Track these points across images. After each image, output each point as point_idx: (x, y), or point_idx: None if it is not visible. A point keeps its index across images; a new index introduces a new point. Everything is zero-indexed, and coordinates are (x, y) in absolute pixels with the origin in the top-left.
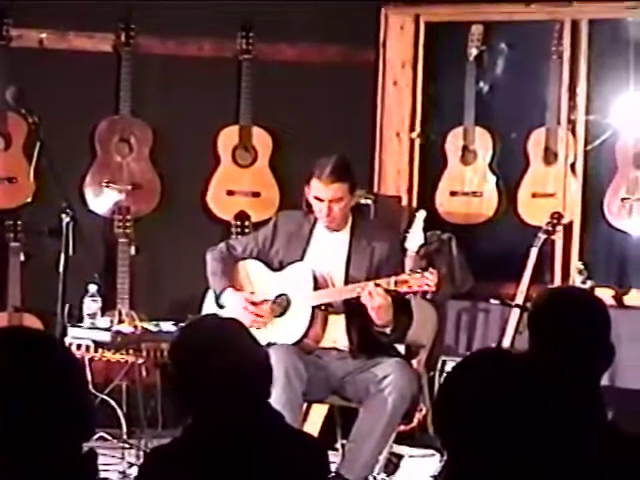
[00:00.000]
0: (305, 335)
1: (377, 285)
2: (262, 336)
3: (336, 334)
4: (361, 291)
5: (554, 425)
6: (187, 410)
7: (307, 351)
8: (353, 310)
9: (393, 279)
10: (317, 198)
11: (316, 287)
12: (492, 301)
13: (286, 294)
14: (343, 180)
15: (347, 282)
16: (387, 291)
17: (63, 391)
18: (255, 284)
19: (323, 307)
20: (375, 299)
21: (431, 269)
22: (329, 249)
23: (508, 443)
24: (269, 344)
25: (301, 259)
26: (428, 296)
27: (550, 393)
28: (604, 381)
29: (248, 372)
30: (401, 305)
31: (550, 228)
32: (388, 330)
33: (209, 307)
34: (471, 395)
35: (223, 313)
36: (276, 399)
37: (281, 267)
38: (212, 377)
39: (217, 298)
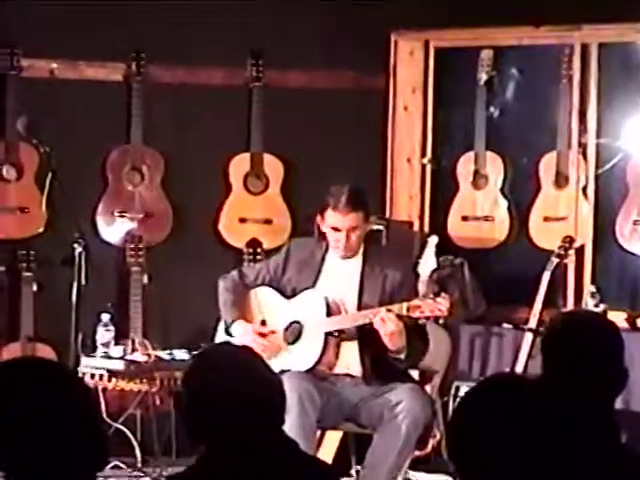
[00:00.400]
0: (318, 362)
1: (389, 311)
2: (275, 363)
3: (349, 360)
4: (373, 317)
5: (568, 450)
6: (201, 438)
7: (320, 377)
8: (366, 336)
9: (405, 305)
10: (334, 228)
11: (329, 313)
12: (505, 325)
13: (299, 321)
14: (358, 209)
15: (360, 309)
16: (399, 317)
17: (76, 422)
18: (267, 312)
19: (336, 333)
20: (387, 325)
21: (443, 294)
22: (341, 276)
23: (521, 468)
24: (282, 371)
25: (313, 286)
26: (441, 321)
27: (564, 418)
28: (618, 404)
29: (262, 400)
30: (416, 331)
31: (562, 252)
32: (402, 356)
33: (221, 335)
34: (484, 421)
35: (233, 341)
36: (290, 426)
37: (294, 294)
38: (226, 405)
39: (227, 328)
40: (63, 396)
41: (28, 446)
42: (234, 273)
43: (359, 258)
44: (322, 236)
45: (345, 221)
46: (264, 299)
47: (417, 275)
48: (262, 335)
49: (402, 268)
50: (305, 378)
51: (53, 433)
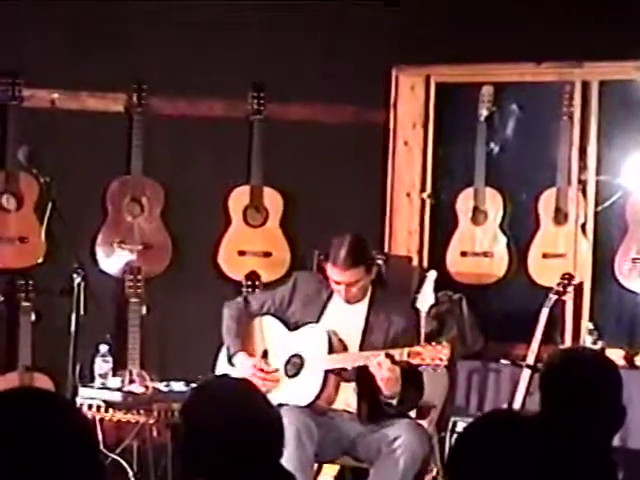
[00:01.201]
0: (317, 398)
1: (388, 355)
2: (274, 396)
3: (348, 398)
4: (373, 359)
5: None
6: (198, 471)
7: (319, 412)
8: (364, 378)
9: (406, 350)
10: (334, 281)
11: (330, 350)
12: (503, 361)
13: (300, 355)
14: (358, 264)
15: (362, 351)
16: (399, 362)
17: (74, 452)
18: (269, 342)
19: (336, 372)
20: (383, 371)
21: (444, 342)
22: (346, 318)
23: None
24: (281, 405)
25: (317, 322)
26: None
27: (562, 455)
28: (615, 442)
29: (260, 433)
30: (412, 378)
31: (561, 289)
32: (395, 401)
33: (224, 361)
34: (482, 457)
35: (233, 373)
36: (288, 460)
37: (297, 327)
38: (224, 438)
39: (229, 357)
40: (61, 426)
41: (25, 476)
42: (239, 300)
43: (365, 302)
44: (325, 276)
45: (344, 276)
46: (268, 329)
47: (417, 311)
48: (263, 371)
49: (407, 314)
50: (303, 412)
51: (51, 464)
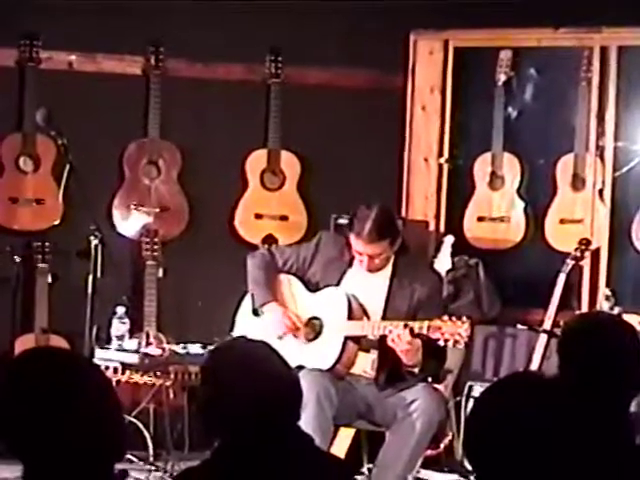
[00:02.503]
0: (337, 362)
1: (407, 327)
2: (293, 359)
3: (366, 363)
4: (392, 330)
5: (584, 449)
6: (216, 432)
7: (338, 376)
8: (386, 347)
9: (426, 324)
10: (357, 252)
11: (350, 316)
12: (519, 326)
13: (320, 318)
14: (383, 238)
15: (384, 319)
16: (419, 335)
17: (94, 411)
18: (290, 302)
19: (356, 338)
20: (401, 344)
21: (464, 318)
22: (368, 284)
23: (538, 467)
24: (300, 367)
25: (337, 285)
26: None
27: (581, 417)
28: (632, 407)
29: (278, 395)
30: (434, 350)
31: (578, 254)
32: (417, 370)
33: (245, 312)
34: (502, 419)
35: (259, 322)
36: (307, 423)
37: (317, 288)
38: (242, 400)
39: (256, 307)
40: (81, 386)
41: (46, 435)
42: (264, 252)
43: (388, 269)
44: (348, 242)
45: (367, 249)
46: (295, 290)
47: (439, 276)
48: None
49: (430, 282)
50: (323, 376)
51: (71, 422)
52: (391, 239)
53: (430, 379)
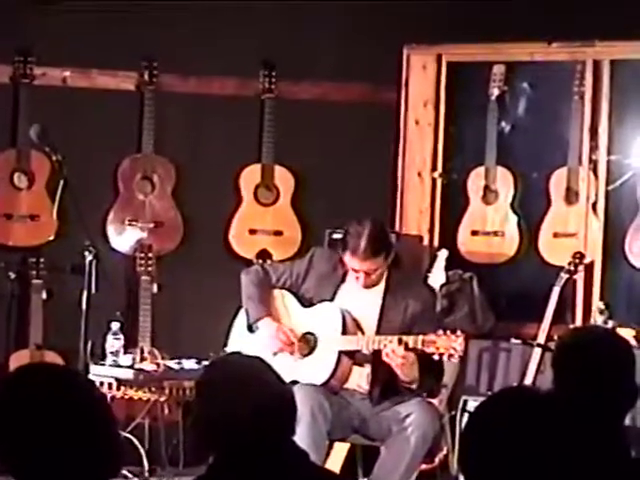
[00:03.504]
0: (331, 377)
1: (401, 341)
2: (287, 374)
3: (360, 378)
4: (386, 344)
5: (579, 464)
6: (211, 448)
7: (332, 391)
8: (379, 362)
9: (421, 338)
10: (353, 269)
11: (344, 331)
12: (513, 341)
13: (314, 333)
14: (378, 254)
15: (378, 334)
16: (414, 349)
17: (89, 426)
18: (285, 317)
19: (350, 353)
20: (396, 358)
21: (459, 332)
22: (362, 301)
23: None
24: (294, 382)
25: (331, 300)
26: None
27: (575, 432)
28: (625, 421)
29: (273, 410)
30: (431, 364)
31: (572, 268)
32: (414, 386)
33: (239, 328)
34: (498, 434)
35: (254, 338)
36: (301, 438)
37: (311, 304)
38: (237, 415)
39: (251, 324)
40: (76, 402)
41: (41, 451)
42: (258, 268)
43: (382, 284)
44: (342, 259)
45: (363, 265)
46: (288, 305)
47: (433, 291)
48: (286, 335)
49: (424, 297)
50: (317, 390)
51: (66, 438)
52: (386, 254)
53: (425, 393)
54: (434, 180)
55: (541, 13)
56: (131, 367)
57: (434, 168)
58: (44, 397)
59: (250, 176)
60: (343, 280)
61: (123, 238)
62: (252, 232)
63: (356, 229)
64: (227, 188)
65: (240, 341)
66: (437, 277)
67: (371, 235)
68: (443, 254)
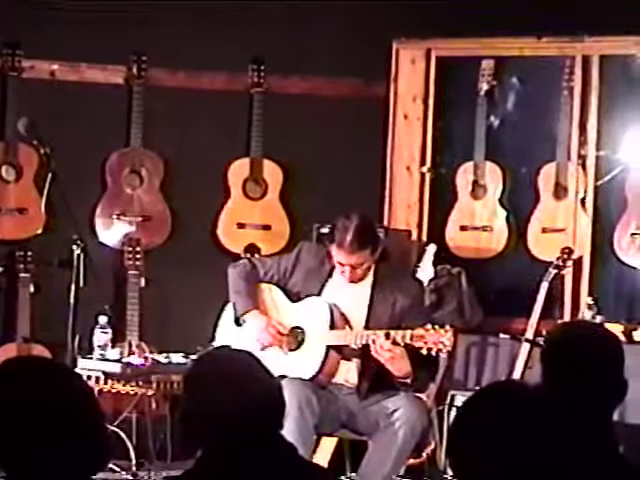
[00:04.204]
0: (319, 372)
1: (388, 336)
2: (275, 369)
3: (348, 372)
4: (375, 340)
5: (567, 459)
6: (198, 442)
7: (320, 386)
8: (369, 356)
9: (409, 333)
10: (339, 263)
11: (332, 326)
12: (502, 335)
13: (302, 328)
14: (364, 248)
15: (367, 329)
16: (405, 345)
17: (76, 420)
18: (273, 311)
19: (338, 348)
20: (383, 353)
21: (447, 327)
22: (350, 295)
23: (521, 476)
24: (282, 376)
25: (318, 295)
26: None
27: (563, 426)
28: (614, 416)
29: (261, 404)
30: (425, 359)
31: (560, 263)
32: (409, 380)
33: (227, 322)
34: (485, 428)
35: (241, 332)
36: (289, 432)
37: (298, 298)
38: (225, 409)
39: (238, 317)
40: (63, 395)
41: (28, 444)
42: (245, 262)
43: (369, 279)
44: (329, 253)
45: (349, 259)
46: (276, 299)
47: (421, 284)
48: (275, 328)
49: (412, 291)
50: (305, 384)
51: (53, 431)
52: (372, 248)
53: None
54: (423, 175)
55: (530, 8)
56: (119, 361)
57: (423, 163)
58: (31, 390)
59: (239, 170)
60: (330, 275)
61: (111, 232)
62: (240, 226)
63: (343, 223)
64: (215, 182)
65: (227, 335)
66: (425, 272)
67: (358, 229)
68: (431, 249)
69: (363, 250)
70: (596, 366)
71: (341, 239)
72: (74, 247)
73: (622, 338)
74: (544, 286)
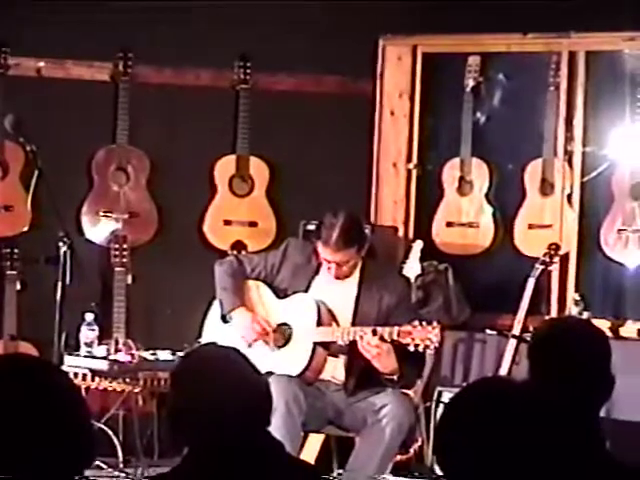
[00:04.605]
0: (306, 369)
1: (375, 332)
2: (262, 365)
3: (335, 369)
4: (362, 336)
5: (554, 455)
6: (186, 439)
7: (307, 383)
8: (354, 353)
9: (396, 329)
10: (325, 259)
11: (319, 322)
12: (489, 332)
13: (289, 324)
14: (350, 246)
15: (354, 326)
16: (391, 341)
17: (63, 417)
18: (260, 308)
19: (325, 344)
20: (371, 349)
21: (435, 323)
22: (336, 292)
23: (508, 473)
24: (269, 373)
25: (305, 292)
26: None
27: (551, 423)
28: (600, 412)
29: (248, 401)
30: (411, 355)
31: (547, 259)
32: (395, 377)
33: (213, 319)
34: (473, 425)
35: (228, 329)
36: (276, 429)
37: (285, 295)
38: (212, 406)
39: (225, 314)
40: (49, 392)
41: (13, 441)
42: (232, 259)
43: (355, 276)
44: (315, 250)
45: (335, 257)
46: (263, 295)
47: (408, 281)
48: (260, 325)
49: (399, 288)
50: (292, 381)
51: (39, 429)
52: (358, 246)
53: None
54: (409, 171)
55: (516, 4)
56: (105, 358)
57: (409, 159)
58: (17, 388)
59: (225, 167)
60: (317, 271)
61: (97, 229)
62: (227, 223)
63: (330, 220)
64: (202, 179)
65: (214, 332)
66: (412, 268)
67: (344, 227)
68: (418, 245)
69: (349, 248)
70: (583, 362)
71: (327, 236)
72: (60, 244)
73: (609, 334)
74: (531, 282)
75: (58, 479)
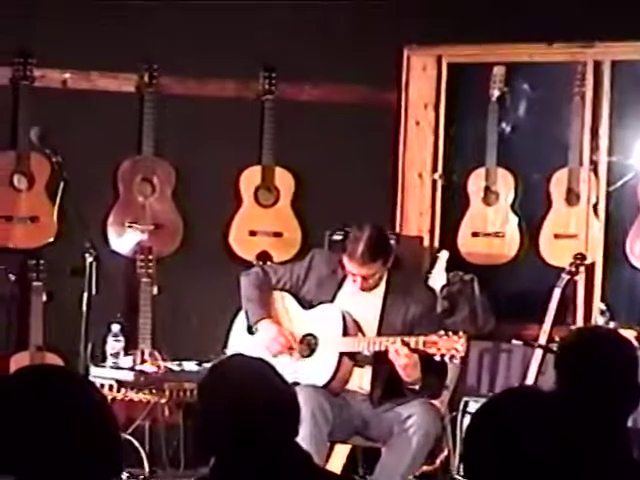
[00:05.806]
0: (332, 379)
1: (404, 343)
2: (288, 376)
3: (361, 379)
4: (389, 346)
5: (582, 465)
6: (212, 450)
7: (333, 393)
8: (380, 363)
9: (422, 339)
10: (350, 272)
11: (345, 332)
12: (514, 342)
13: (315, 335)
14: (376, 259)
15: (379, 336)
16: (415, 350)
17: (90, 428)
18: (285, 319)
19: (351, 354)
20: (400, 358)
21: (460, 333)
22: (362, 302)
23: None
24: (295, 384)
25: (331, 302)
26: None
27: (577, 433)
28: (629, 422)
29: (276, 412)
30: (434, 365)
31: (573, 269)
32: (417, 387)
33: (239, 329)
34: (500, 435)
35: (254, 340)
36: (302, 439)
37: (311, 306)
38: (240, 417)
39: (250, 325)
40: (77, 403)
41: (42, 453)
42: (258, 270)
43: (382, 286)
44: (342, 262)
45: (361, 270)
46: (289, 307)
47: (434, 292)
48: (286, 338)
49: (425, 298)
50: (318, 392)
51: (67, 440)
52: (384, 259)
53: (427, 395)
54: (434, 181)
55: (541, 14)
56: (131, 369)
57: (434, 169)
58: (44, 399)
59: (250, 178)
60: (343, 282)
61: (123, 240)
62: (252, 233)
63: (355, 234)
64: (227, 190)
65: (240, 343)
66: (438, 278)
67: (369, 241)
68: (444, 255)
69: (374, 262)
70: (610, 372)
71: (352, 250)
72: (86, 255)
73: (635, 343)
74: (557, 292)
75: None
